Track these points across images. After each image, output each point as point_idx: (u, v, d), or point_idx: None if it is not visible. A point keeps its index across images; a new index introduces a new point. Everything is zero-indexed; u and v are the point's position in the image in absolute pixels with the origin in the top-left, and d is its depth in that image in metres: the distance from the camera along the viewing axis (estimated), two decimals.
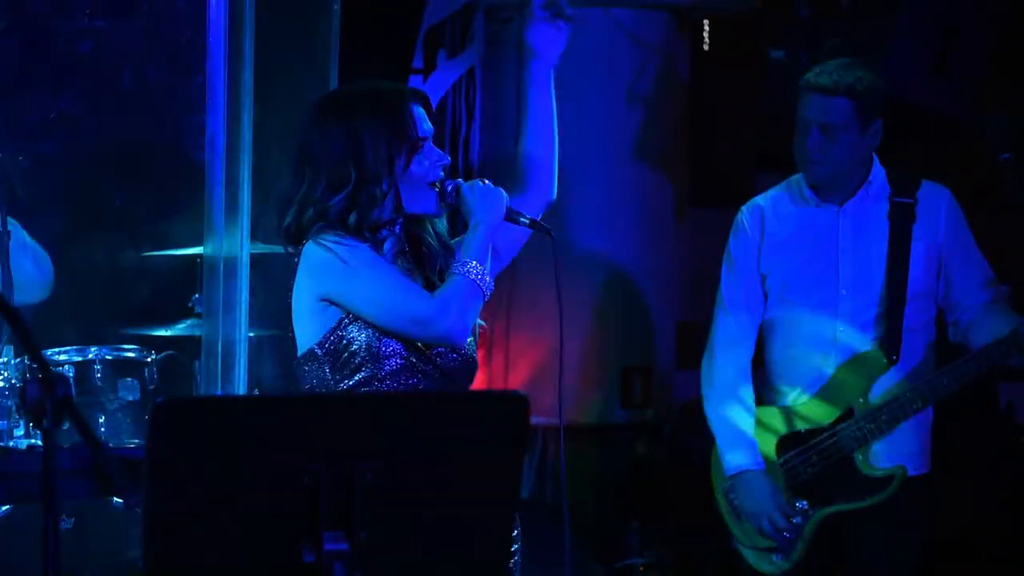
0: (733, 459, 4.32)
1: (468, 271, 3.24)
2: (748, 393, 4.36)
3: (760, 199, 4.47)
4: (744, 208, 4.45)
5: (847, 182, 4.30)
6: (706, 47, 6.98)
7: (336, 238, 3.22)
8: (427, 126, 3.31)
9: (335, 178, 3.24)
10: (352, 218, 3.24)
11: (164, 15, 5.24)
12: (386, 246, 3.32)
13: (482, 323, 3.39)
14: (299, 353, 3.30)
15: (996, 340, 4.11)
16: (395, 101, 3.29)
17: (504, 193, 3.33)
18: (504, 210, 3.31)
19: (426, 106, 3.36)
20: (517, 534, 3.35)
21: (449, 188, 3.32)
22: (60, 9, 5.18)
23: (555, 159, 3.50)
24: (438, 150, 3.33)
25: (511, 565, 3.31)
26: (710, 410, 4.40)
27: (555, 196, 3.52)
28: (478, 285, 3.24)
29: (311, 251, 3.23)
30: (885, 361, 4.23)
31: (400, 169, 3.26)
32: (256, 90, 4.52)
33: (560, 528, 3.30)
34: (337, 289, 3.22)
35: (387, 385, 3.25)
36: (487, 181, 3.34)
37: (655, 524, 6.08)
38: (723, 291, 4.43)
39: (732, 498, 4.34)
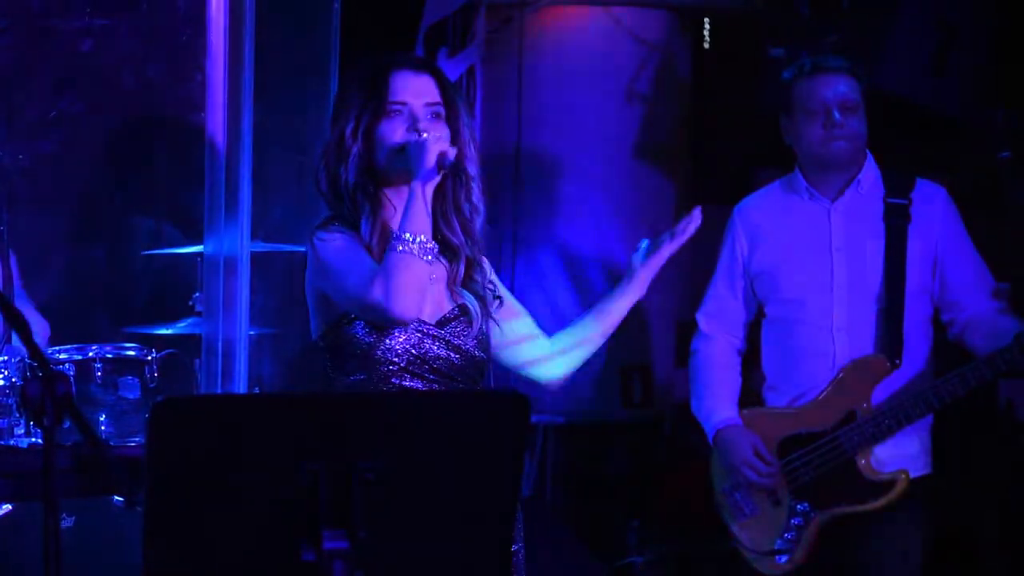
0: (722, 413, 4.37)
1: (396, 245, 3.20)
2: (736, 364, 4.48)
3: (750, 198, 4.49)
4: (735, 209, 4.48)
5: (845, 172, 4.30)
6: (706, 45, 6.99)
7: (324, 234, 3.31)
8: (414, 95, 3.29)
9: (329, 135, 3.36)
10: (327, 181, 3.33)
11: (164, 14, 5.24)
12: (364, 227, 3.31)
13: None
14: (312, 339, 3.40)
15: (1002, 348, 4.08)
16: (376, 67, 3.33)
17: (427, 144, 3.22)
18: (433, 163, 3.21)
19: (437, 77, 3.34)
20: (519, 533, 3.35)
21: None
22: (60, 8, 5.17)
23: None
24: (426, 123, 3.28)
25: (513, 564, 3.31)
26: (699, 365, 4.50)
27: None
28: (413, 254, 3.19)
29: (309, 246, 3.34)
30: (888, 365, 4.23)
31: (367, 131, 3.30)
32: (256, 89, 4.52)
33: (560, 526, 3.30)
34: (322, 283, 3.31)
35: (384, 387, 3.27)
36: (422, 134, 3.25)
37: (655, 524, 6.08)
38: (707, 290, 4.54)
39: (720, 454, 4.39)
